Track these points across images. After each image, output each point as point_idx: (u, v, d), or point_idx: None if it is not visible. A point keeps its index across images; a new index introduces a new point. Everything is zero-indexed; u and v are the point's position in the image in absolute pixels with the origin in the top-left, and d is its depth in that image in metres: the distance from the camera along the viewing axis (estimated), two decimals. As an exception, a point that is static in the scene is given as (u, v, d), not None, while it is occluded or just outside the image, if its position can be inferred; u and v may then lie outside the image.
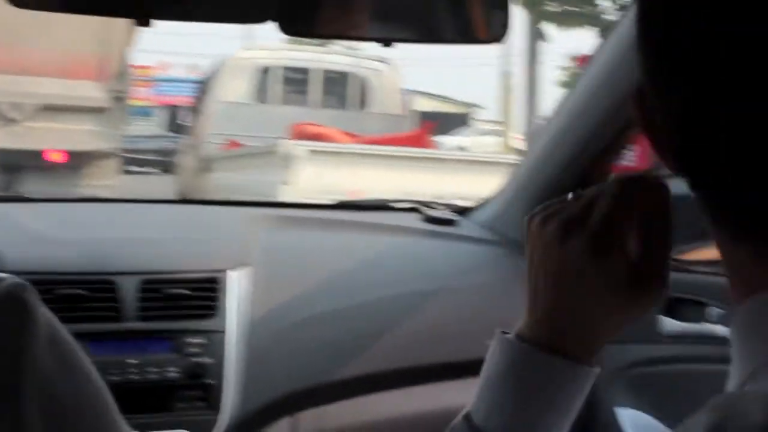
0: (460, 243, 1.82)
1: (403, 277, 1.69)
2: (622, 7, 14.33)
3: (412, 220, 1.89)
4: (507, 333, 0.76)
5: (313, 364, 1.50)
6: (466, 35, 1.35)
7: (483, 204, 1.96)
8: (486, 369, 0.77)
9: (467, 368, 1.61)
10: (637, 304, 0.72)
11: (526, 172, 1.81)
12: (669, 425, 1.53)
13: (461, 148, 14.40)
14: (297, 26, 1.20)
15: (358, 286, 1.63)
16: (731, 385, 0.61)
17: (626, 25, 1.51)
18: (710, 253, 1.70)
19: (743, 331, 0.61)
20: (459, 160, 7.92)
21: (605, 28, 14.68)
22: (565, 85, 24.12)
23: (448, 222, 1.88)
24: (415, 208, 1.96)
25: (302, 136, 7.79)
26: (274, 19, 1.15)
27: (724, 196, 0.60)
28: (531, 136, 13.86)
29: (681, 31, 0.58)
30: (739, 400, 0.55)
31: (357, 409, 1.51)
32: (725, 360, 1.53)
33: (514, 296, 1.66)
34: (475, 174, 6.82)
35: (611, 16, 14.90)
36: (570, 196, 0.74)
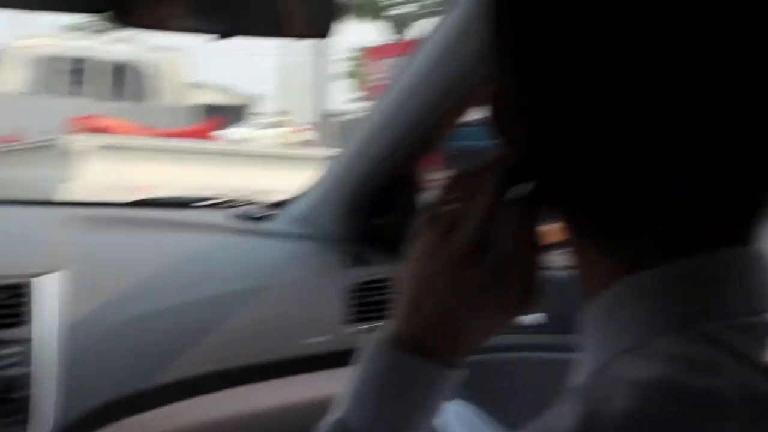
0: (273, 239, 1.81)
1: (219, 276, 1.66)
2: (416, 2, 14.84)
3: (223, 217, 1.86)
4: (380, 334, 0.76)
5: (135, 368, 1.44)
6: (291, 29, 1.37)
7: (295, 198, 1.95)
8: (358, 372, 0.76)
9: (286, 366, 1.61)
10: (505, 306, 0.73)
11: (342, 166, 1.82)
12: (489, 413, 1.60)
13: (244, 141, 14.31)
14: (125, 17, 1.17)
15: (175, 286, 1.59)
16: (582, 373, 0.64)
17: (447, 22, 1.54)
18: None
19: (598, 321, 0.64)
20: (249, 154, 7.89)
21: (397, 22, 15.05)
22: (350, 76, 24.57)
23: (260, 218, 1.87)
24: (225, 204, 1.94)
25: (87, 128, 7.48)
26: (102, 9, 1.14)
27: (574, 195, 0.62)
28: (326, 127, 14.03)
29: (537, 31, 0.59)
30: (603, 387, 0.56)
31: (182, 413, 1.47)
32: (539, 347, 1.62)
33: (328, 290, 1.69)
34: (264, 168, 6.83)
35: (402, 9, 15.33)
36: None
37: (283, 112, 16.60)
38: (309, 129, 17.18)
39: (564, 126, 0.59)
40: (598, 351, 0.63)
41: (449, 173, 0.75)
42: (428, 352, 0.73)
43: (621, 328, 0.62)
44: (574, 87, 0.57)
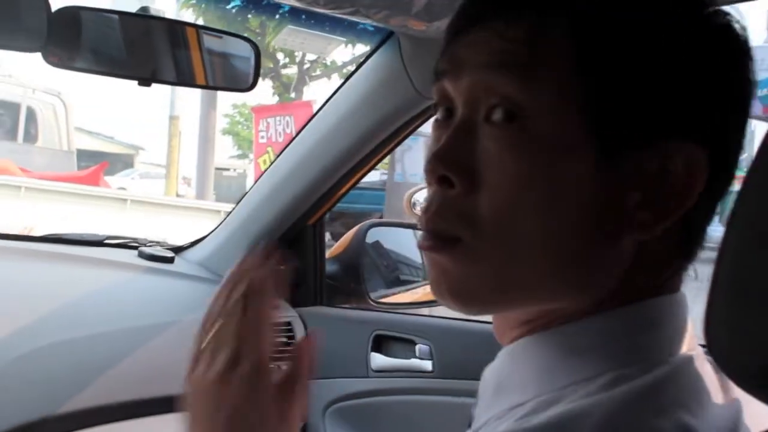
0: (177, 279, 1.81)
1: (123, 311, 1.64)
2: (300, 65, 14.96)
3: (130, 257, 1.85)
4: None
5: (35, 398, 1.40)
6: (219, 81, 1.40)
7: (196, 243, 1.97)
8: None
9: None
10: (284, 420, 0.74)
11: (244, 215, 1.85)
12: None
13: (123, 189, 14.08)
14: (60, 59, 1.18)
15: (79, 319, 1.56)
16: (491, 413, 0.67)
17: (354, 82, 1.62)
18: (413, 295, 1.86)
19: (546, 360, 0.65)
20: (140, 201, 7.78)
21: (283, 83, 15.10)
22: (227, 132, 24.46)
23: (164, 259, 1.86)
24: (130, 245, 1.93)
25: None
26: (38, 50, 1.14)
27: None
28: (210, 180, 13.83)
29: None
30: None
31: None
32: (427, 391, 1.67)
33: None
34: (150, 214, 6.74)
35: (289, 71, 15.41)
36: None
37: (165, 165, 16.36)
38: (191, 179, 16.97)
39: None
40: (525, 390, 0.65)
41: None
42: None
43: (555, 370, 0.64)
44: None
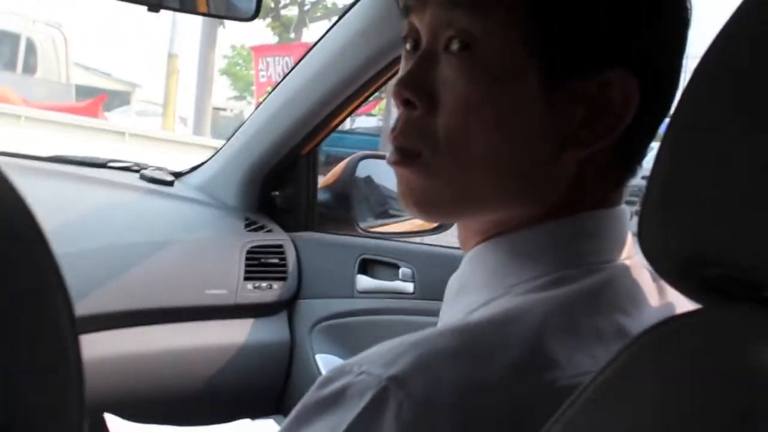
0: (177, 201, 1.87)
1: (127, 228, 1.70)
2: (301, 6, 14.84)
3: (133, 179, 1.91)
4: None
5: None
6: (221, 10, 1.44)
7: (195, 169, 2.02)
8: None
9: (186, 313, 1.70)
10: None
11: (240, 144, 1.91)
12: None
13: (129, 123, 13.99)
14: None
15: (83, 234, 1.62)
16: (451, 314, 0.73)
17: (341, 26, 1.68)
18: (399, 226, 1.93)
19: (496, 264, 0.72)
20: (138, 135, 7.77)
21: (283, 23, 14.93)
22: (225, 72, 24.24)
23: (165, 182, 1.92)
24: (133, 168, 1.99)
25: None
26: None
27: None
28: (208, 118, 13.72)
29: None
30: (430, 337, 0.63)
31: (94, 345, 1.51)
32: (408, 311, 1.74)
33: (225, 251, 1.78)
34: (147, 148, 6.75)
35: (290, 12, 15.24)
36: None
37: (162, 103, 16.28)
38: (187, 119, 16.88)
39: None
40: (479, 293, 0.71)
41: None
42: None
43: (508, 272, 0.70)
44: None
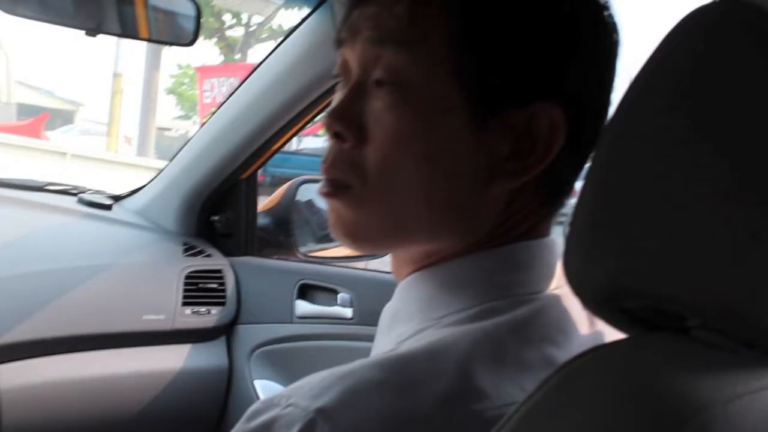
0: (115, 226, 1.85)
1: (64, 253, 1.68)
2: (247, 27, 14.81)
3: (70, 202, 1.89)
4: None
5: None
6: (162, 36, 1.45)
7: (134, 193, 2.01)
8: None
9: (123, 338, 1.67)
10: None
11: (180, 167, 1.90)
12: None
13: (70, 143, 13.77)
14: (5, 3, 1.22)
15: (17, 258, 1.60)
16: (383, 344, 0.73)
17: (285, 47, 1.69)
18: (340, 250, 1.93)
19: (427, 294, 0.72)
20: (80, 156, 7.65)
21: (228, 44, 14.88)
22: (171, 92, 24.02)
23: (103, 206, 1.90)
24: (70, 191, 1.96)
25: None
26: None
27: None
28: (151, 138, 13.60)
29: None
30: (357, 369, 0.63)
31: (27, 372, 1.49)
32: (346, 337, 1.74)
33: (163, 275, 1.76)
34: (88, 169, 6.65)
35: (235, 33, 15.18)
36: None
37: (106, 122, 16.10)
38: (132, 138, 16.64)
39: None
40: (414, 320, 0.71)
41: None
42: None
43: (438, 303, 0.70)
44: None
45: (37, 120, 9.17)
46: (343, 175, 0.70)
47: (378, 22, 0.69)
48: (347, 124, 0.69)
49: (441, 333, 0.66)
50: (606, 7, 0.71)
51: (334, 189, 0.71)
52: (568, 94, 0.68)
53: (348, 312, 1.72)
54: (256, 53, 16.07)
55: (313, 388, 0.60)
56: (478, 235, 0.71)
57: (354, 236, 0.72)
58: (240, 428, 0.61)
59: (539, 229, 0.73)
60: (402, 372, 0.62)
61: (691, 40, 0.57)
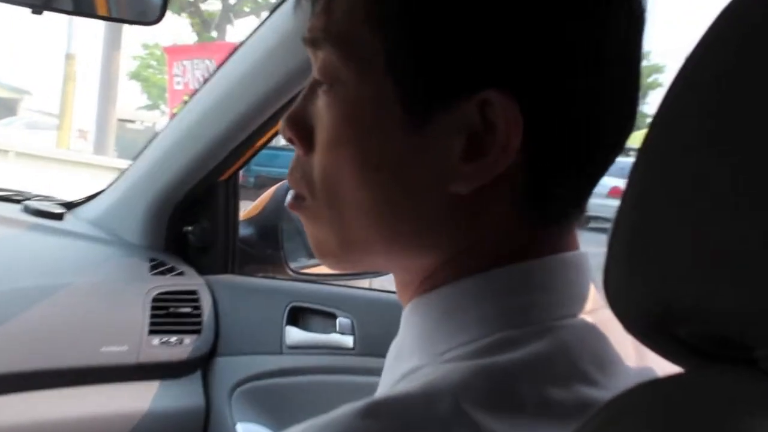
0: (68, 238, 1.86)
1: (6, 272, 1.68)
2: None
3: (14, 211, 1.89)
4: None
5: None
6: (123, 13, 1.45)
7: (90, 199, 2.02)
8: None
9: (78, 375, 1.67)
10: None
11: (142, 171, 1.91)
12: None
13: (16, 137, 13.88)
14: None
15: None
16: (386, 383, 0.74)
17: (261, 35, 1.69)
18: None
19: (426, 324, 0.73)
20: (22, 153, 7.72)
21: (204, 19, 14.94)
22: (135, 77, 24.16)
23: (53, 215, 1.91)
24: (13, 198, 1.97)
25: None
26: None
27: None
28: (111, 132, 13.69)
29: None
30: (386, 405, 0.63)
31: None
32: (347, 370, 1.74)
33: (126, 298, 1.76)
34: (35, 170, 6.70)
35: (212, 7, 15.25)
36: None
37: (62, 111, 16.18)
38: (87, 132, 16.76)
39: None
40: (415, 355, 0.72)
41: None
42: None
43: (450, 331, 0.71)
44: None
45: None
46: (297, 186, 0.75)
47: (317, 23, 0.73)
48: (295, 130, 0.75)
49: (439, 371, 0.66)
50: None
51: (294, 200, 0.76)
52: (519, 83, 0.67)
53: (348, 340, 1.73)
54: (236, 31, 16.15)
55: None
56: (475, 252, 0.71)
57: (318, 252, 0.76)
58: None
59: (560, 242, 0.74)
60: (396, 420, 0.61)
61: (734, 31, 0.57)
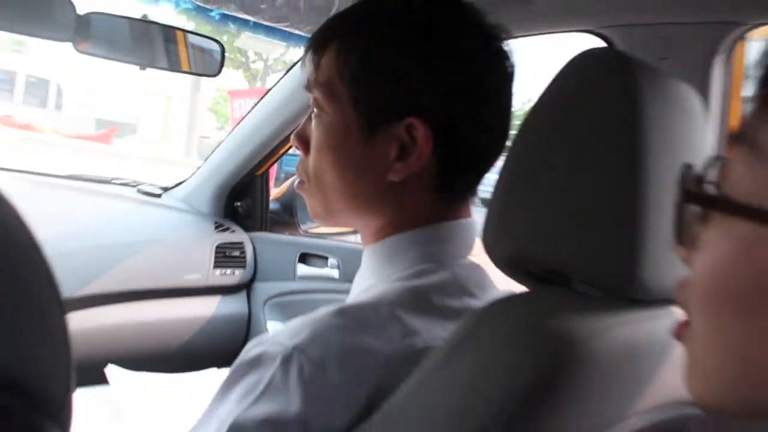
0: (164, 210, 1.84)
1: (125, 230, 1.67)
2: (266, 61, 14.66)
3: (132, 192, 1.88)
4: None
5: (65, 282, 1.44)
6: (198, 68, 1.44)
7: (179, 185, 1.99)
8: None
9: (169, 292, 1.67)
10: None
11: (214, 163, 1.88)
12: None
13: (133, 147, 13.59)
14: (85, 47, 1.21)
15: (91, 234, 1.59)
16: (353, 295, 0.75)
17: (292, 74, 1.68)
18: (329, 228, 1.92)
19: (377, 260, 0.73)
20: (137, 157, 7.59)
21: (251, 73, 14.73)
22: (211, 109, 23.69)
23: (155, 195, 1.90)
24: (131, 184, 1.95)
25: (10, 125, 6.91)
26: (68, 40, 1.16)
27: None
28: (195, 145, 13.46)
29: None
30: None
31: (90, 318, 1.49)
32: (334, 291, 1.73)
33: (200, 246, 1.76)
34: (146, 166, 6.60)
35: (257, 66, 15.02)
36: None
37: (163, 132, 15.95)
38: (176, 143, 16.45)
39: None
40: (367, 280, 0.73)
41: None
42: None
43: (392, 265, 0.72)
44: None
45: (108, 131, 9.10)
46: (300, 176, 0.76)
47: (311, 70, 0.73)
48: (299, 142, 0.76)
49: (385, 287, 0.67)
50: (488, 48, 0.71)
51: (299, 184, 0.77)
52: (431, 112, 0.68)
53: (336, 273, 1.72)
54: (272, 80, 15.89)
55: (291, 330, 0.61)
56: (405, 217, 0.72)
57: (313, 215, 0.77)
58: (239, 360, 0.62)
59: (459, 211, 0.74)
60: (356, 317, 0.63)
61: (571, 77, 0.58)
